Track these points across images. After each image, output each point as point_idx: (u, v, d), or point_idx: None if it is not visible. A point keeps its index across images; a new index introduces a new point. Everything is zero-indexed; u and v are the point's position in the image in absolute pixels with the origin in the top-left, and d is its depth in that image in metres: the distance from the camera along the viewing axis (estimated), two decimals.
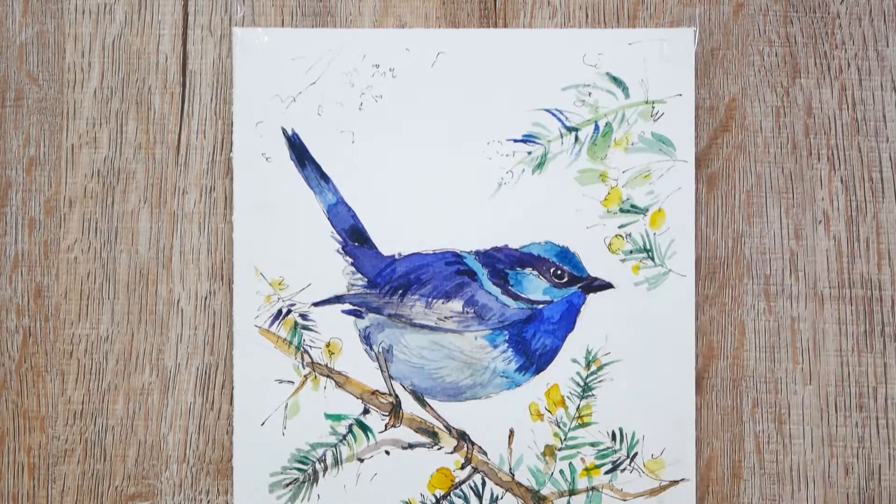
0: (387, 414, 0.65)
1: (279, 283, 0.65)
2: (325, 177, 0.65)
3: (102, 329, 0.66)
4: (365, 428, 0.65)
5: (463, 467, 0.65)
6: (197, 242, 0.66)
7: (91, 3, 0.67)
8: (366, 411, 0.65)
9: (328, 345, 0.65)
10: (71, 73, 0.67)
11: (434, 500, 0.65)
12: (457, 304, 0.64)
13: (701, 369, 0.66)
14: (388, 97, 0.65)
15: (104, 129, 0.67)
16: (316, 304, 0.65)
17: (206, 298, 0.66)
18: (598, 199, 0.65)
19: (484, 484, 0.65)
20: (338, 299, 0.65)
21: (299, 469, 0.65)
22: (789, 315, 0.66)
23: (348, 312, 0.65)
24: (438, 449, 0.65)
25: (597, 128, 0.65)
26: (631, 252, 0.65)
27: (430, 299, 0.64)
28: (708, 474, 0.66)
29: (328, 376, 0.65)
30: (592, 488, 0.65)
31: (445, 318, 0.64)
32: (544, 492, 0.65)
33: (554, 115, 0.65)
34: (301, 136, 0.65)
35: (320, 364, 0.65)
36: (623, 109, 0.65)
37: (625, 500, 0.65)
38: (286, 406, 0.64)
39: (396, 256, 0.65)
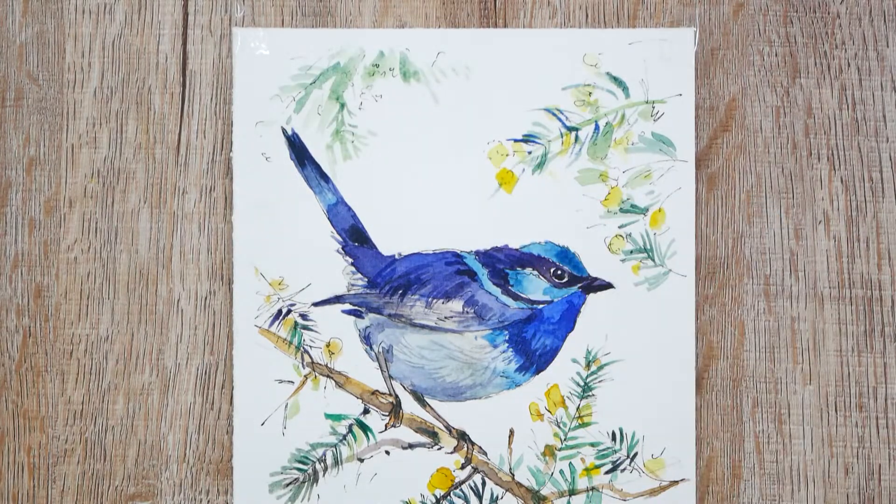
0: (387, 414, 0.65)
1: (279, 283, 0.65)
2: (325, 177, 0.65)
3: (102, 329, 0.66)
4: (365, 428, 0.65)
5: (463, 467, 0.65)
6: (197, 242, 0.66)
7: (91, 3, 0.67)
8: (366, 411, 0.65)
9: (328, 345, 0.65)
10: (71, 73, 0.67)
11: (434, 500, 0.65)
12: (457, 304, 0.64)
13: (701, 369, 0.66)
14: (388, 97, 0.65)
15: (104, 129, 0.67)
16: (316, 304, 0.65)
17: (206, 298, 0.66)
18: (599, 199, 0.65)
19: (484, 484, 0.65)
20: (338, 299, 0.65)
21: (299, 469, 0.65)
22: (789, 315, 0.66)
23: (348, 312, 0.65)
24: (438, 449, 0.65)
25: (597, 128, 0.65)
26: (631, 252, 0.65)
27: (430, 299, 0.64)
28: (708, 474, 0.66)
29: (328, 376, 0.65)
30: (592, 488, 0.65)
31: (445, 318, 0.64)
32: (544, 492, 0.65)
33: (554, 115, 0.65)
34: (301, 135, 0.65)
35: (320, 364, 0.65)
36: (623, 109, 0.65)
37: (625, 500, 0.65)
38: (286, 406, 0.64)
39: (396, 256, 0.65)
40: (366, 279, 0.65)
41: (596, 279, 0.64)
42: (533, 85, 0.65)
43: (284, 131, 0.65)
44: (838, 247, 0.66)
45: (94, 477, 0.66)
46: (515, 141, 0.65)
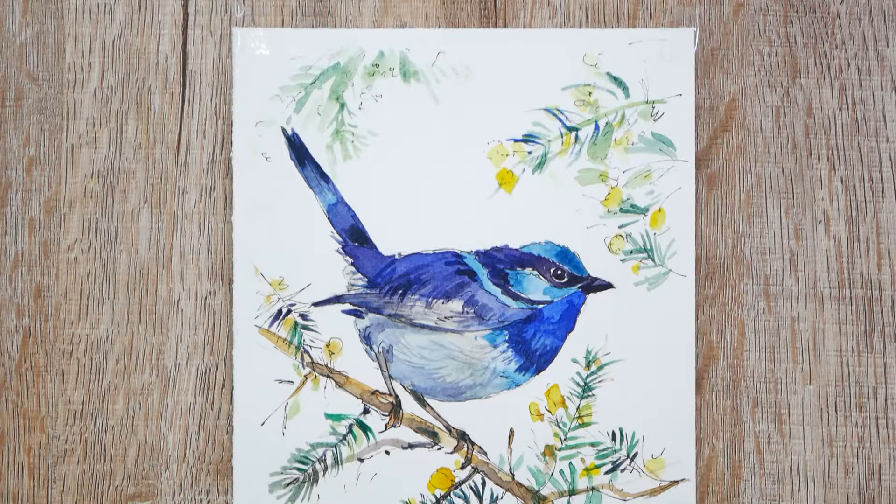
0: (387, 414, 0.65)
1: (279, 283, 0.65)
2: (325, 177, 0.65)
3: (102, 329, 0.66)
4: (365, 428, 0.65)
5: (463, 467, 0.65)
6: (197, 242, 0.66)
7: (91, 3, 0.67)
8: (366, 411, 0.65)
9: (328, 345, 0.65)
10: (71, 73, 0.67)
11: (434, 500, 0.65)
12: (457, 304, 0.64)
13: (701, 369, 0.66)
14: (388, 97, 0.65)
15: (104, 129, 0.67)
16: (316, 304, 0.65)
17: (206, 298, 0.66)
18: (599, 199, 0.65)
19: (484, 484, 0.65)
20: (338, 299, 0.65)
21: (299, 469, 0.65)
22: (789, 315, 0.66)
23: (348, 312, 0.65)
24: (438, 449, 0.65)
25: (597, 128, 0.65)
26: (631, 252, 0.65)
27: (430, 299, 0.64)
28: (708, 474, 0.66)
29: (328, 376, 0.65)
30: (592, 488, 0.65)
31: (445, 318, 0.64)
32: (544, 492, 0.65)
33: (554, 115, 0.65)
34: (301, 135, 0.65)
35: (320, 364, 0.65)
36: (623, 109, 0.65)
37: (625, 500, 0.65)
38: (286, 406, 0.64)
39: (396, 256, 0.65)
40: (366, 279, 0.65)
41: (596, 279, 0.64)
42: (533, 85, 0.65)
43: (284, 131, 0.65)
44: (838, 247, 0.66)
45: (94, 477, 0.66)
46: (515, 141, 0.65)
